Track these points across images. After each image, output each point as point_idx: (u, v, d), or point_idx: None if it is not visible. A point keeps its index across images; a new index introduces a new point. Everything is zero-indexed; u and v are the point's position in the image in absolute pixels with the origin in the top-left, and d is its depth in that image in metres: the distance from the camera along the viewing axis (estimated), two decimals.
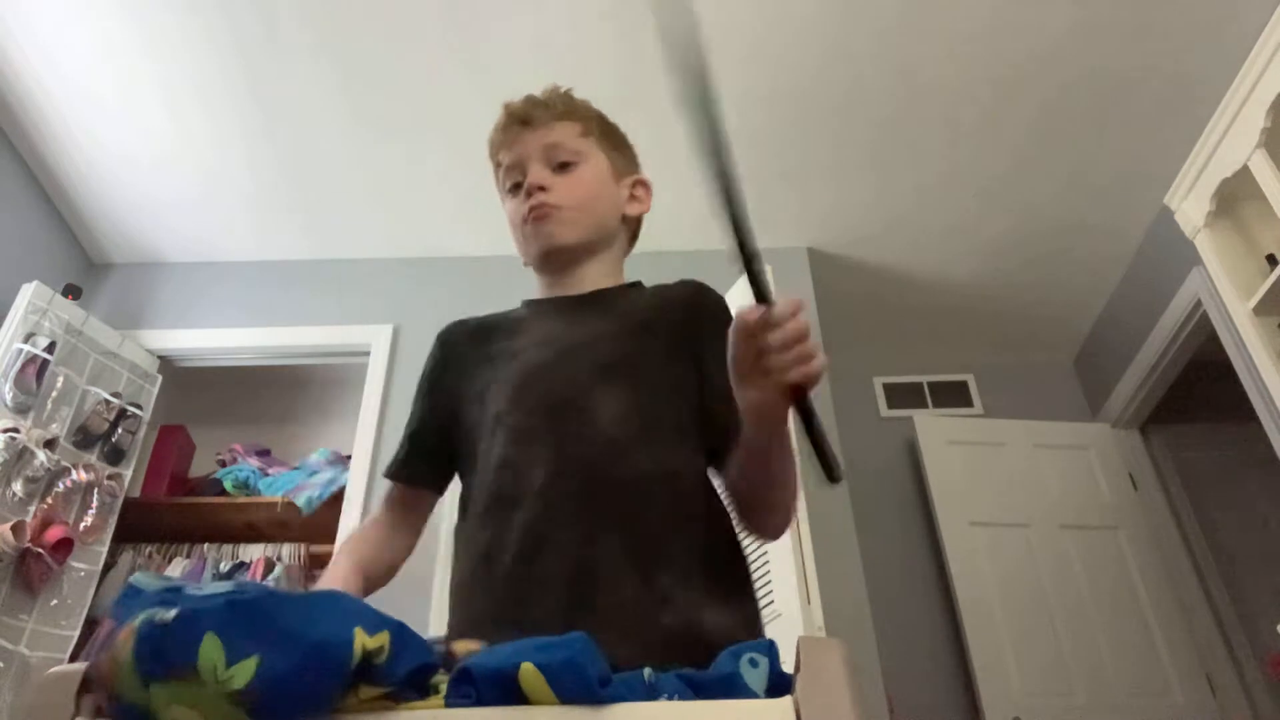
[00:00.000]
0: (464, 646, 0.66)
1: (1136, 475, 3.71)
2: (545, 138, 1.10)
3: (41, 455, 2.62)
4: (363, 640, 0.55)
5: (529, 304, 1.14)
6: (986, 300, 3.80)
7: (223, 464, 3.40)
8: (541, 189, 1.07)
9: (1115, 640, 3.30)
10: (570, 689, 0.56)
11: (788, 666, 0.62)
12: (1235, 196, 2.62)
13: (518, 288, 1.19)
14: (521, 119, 1.11)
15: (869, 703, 2.51)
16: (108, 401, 2.92)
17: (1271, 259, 2.54)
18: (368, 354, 3.19)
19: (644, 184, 1.19)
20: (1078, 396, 4.08)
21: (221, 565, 3.09)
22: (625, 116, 1.22)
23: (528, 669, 0.56)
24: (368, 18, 2.65)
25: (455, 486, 1.06)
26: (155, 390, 3.14)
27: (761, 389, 0.80)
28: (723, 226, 0.79)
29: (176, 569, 3.07)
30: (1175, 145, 2.91)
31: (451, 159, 3.05)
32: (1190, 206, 2.73)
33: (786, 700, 0.57)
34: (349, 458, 3.11)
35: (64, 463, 2.72)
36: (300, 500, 3.08)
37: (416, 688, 0.59)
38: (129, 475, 2.97)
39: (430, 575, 2.39)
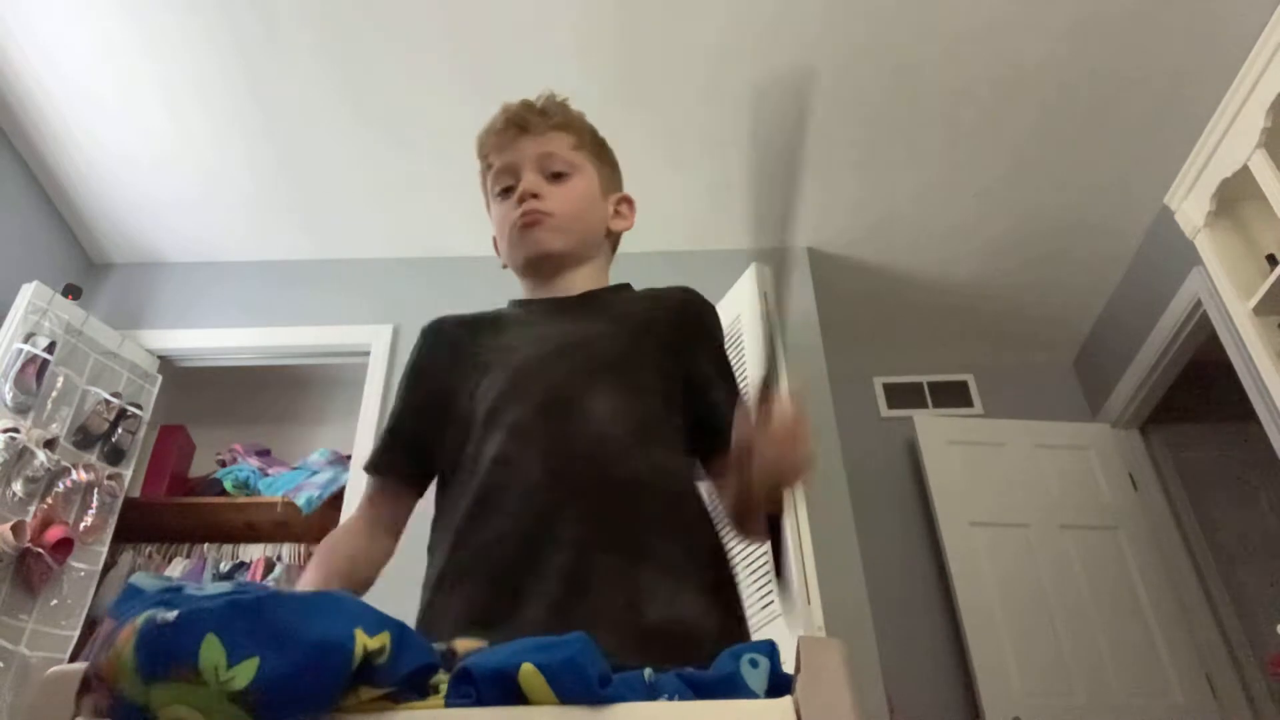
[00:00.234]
0: (465, 645, 0.66)
1: (1136, 475, 3.71)
2: (541, 146, 1.11)
3: (41, 455, 2.62)
4: (363, 641, 0.55)
5: (518, 304, 1.14)
6: (986, 300, 3.80)
7: (223, 464, 3.40)
8: (535, 196, 1.08)
9: (1115, 640, 3.30)
10: (570, 689, 0.56)
11: (788, 667, 0.62)
12: (1235, 196, 2.62)
13: (517, 288, 1.19)
14: (519, 125, 1.12)
15: (869, 703, 2.51)
16: (108, 401, 2.92)
17: (1271, 259, 2.54)
18: (368, 354, 3.19)
19: (628, 201, 1.20)
20: (1078, 396, 4.08)
21: (221, 565, 3.10)
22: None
23: (528, 669, 0.57)
24: (368, 18, 2.65)
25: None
26: (155, 390, 3.14)
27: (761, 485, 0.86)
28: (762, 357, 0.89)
29: (176, 569, 3.07)
30: (1175, 145, 2.91)
31: (451, 159, 3.05)
32: (1190, 206, 2.73)
33: (786, 700, 0.57)
34: (349, 458, 3.12)
35: (64, 463, 2.72)
36: (300, 500, 3.08)
37: (416, 688, 0.59)
38: (129, 475, 2.97)
39: None
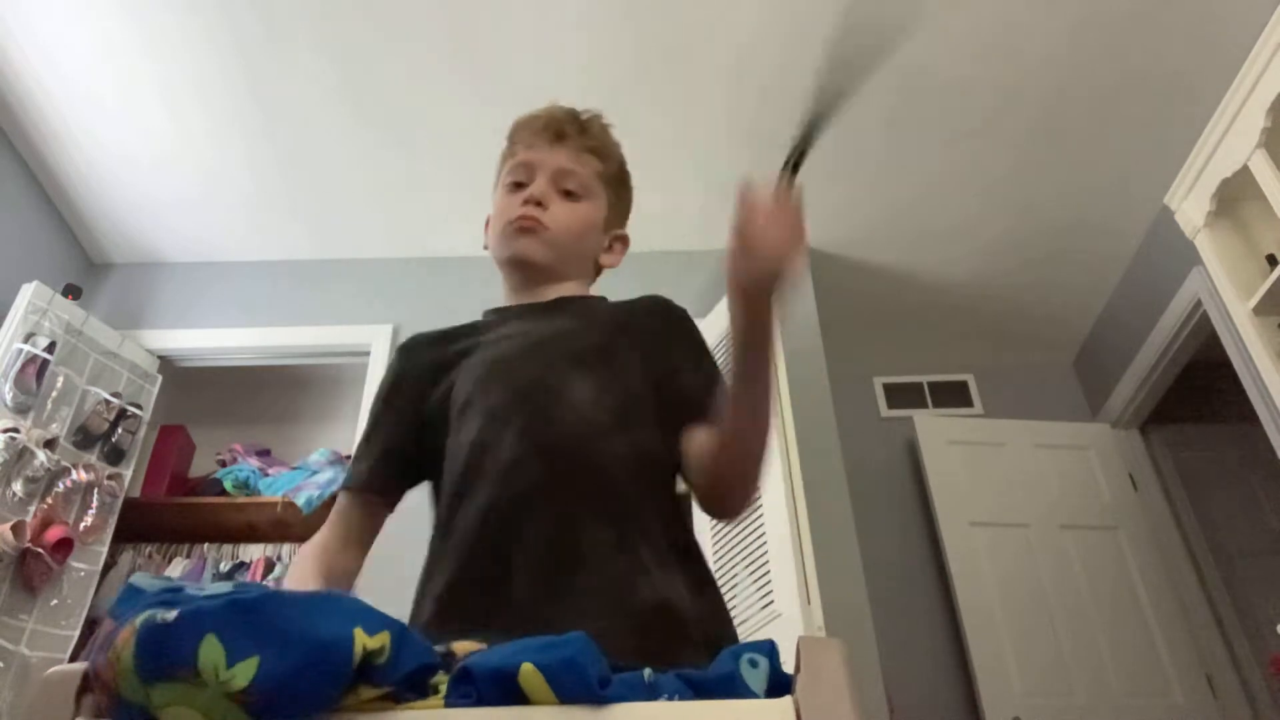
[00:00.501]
0: (464, 647, 0.66)
1: (1136, 475, 3.71)
2: (567, 161, 1.11)
3: (41, 455, 2.62)
4: (363, 641, 0.55)
5: (493, 312, 1.15)
6: (986, 300, 3.80)
7: (223, 464, 3.40)
8: (539, 204, 1.08)
9: (1115, 640, 3.30)
10: (570, 689, 0.56)
11: (788, 667, 0.62)
12: (1235, 196, 2.62)
13: None
14: (557, 132, 1.12)
15: (869, 703, 2.51)
16: (108, 401, 2.92)
17: (1271, 259, 2.54)
18: (368, 354, 3.19)
19: (624, 240, 1.20)
20: (1078, 396, 4.08)
21: (221, 565, 3.09)
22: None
23: (528, 669, 0.57)
24: (367, 18, 2.65)
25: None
26: (155, 390, 3.14)
27: (750, 274, 0.83)
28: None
29: (176, 569, 3.07)
30: (1175, 145, 2.91)
31: (451, 159, 3.05)
32: (1190, 206, 2.73)
33: (786, 700, 0.57)
34: (349, 458, 3.11)
35: (64, 463, 2.72)
36: (300, 500, 3.07)
37: (416, 688, 0.59)
38: (129, 475, 2.97)
39: None
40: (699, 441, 0.96)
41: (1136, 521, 3.60)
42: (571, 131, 1.13)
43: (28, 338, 2.74)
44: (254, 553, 3.12)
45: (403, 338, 1.14)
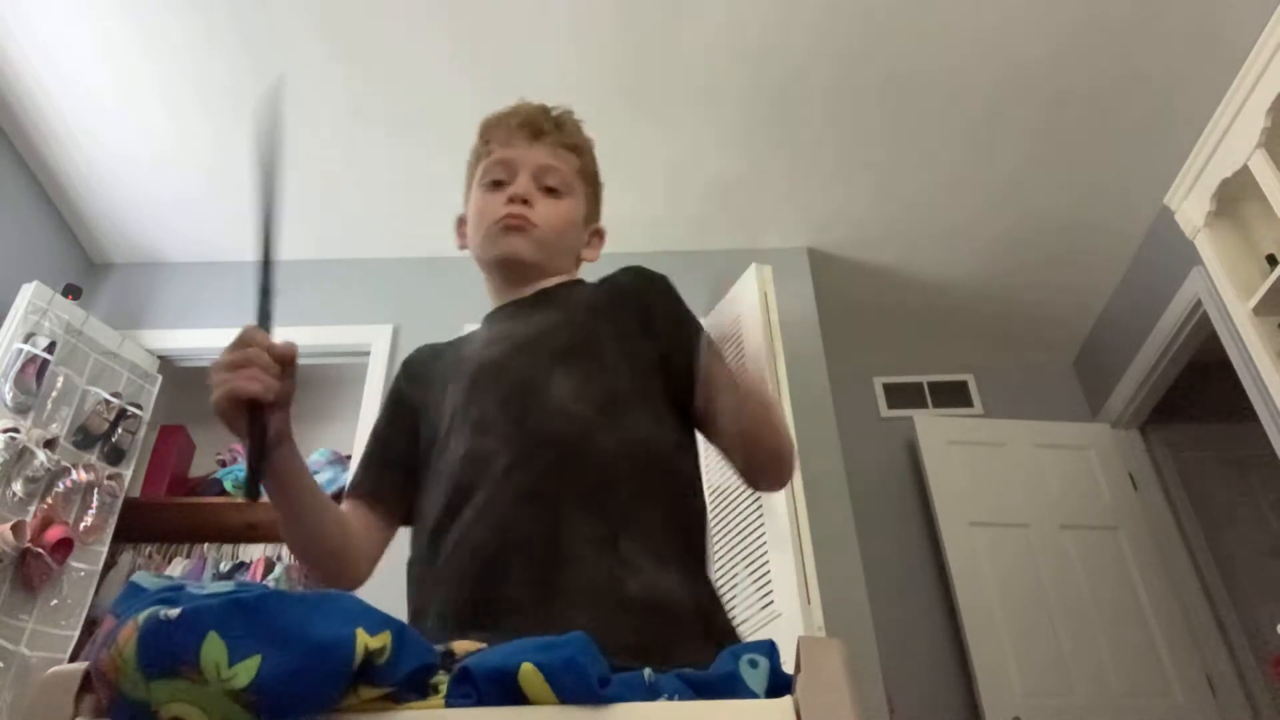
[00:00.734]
0: (464, 646, 0.66)
1: (1136, 475, 3.71)
2: (546, 158, 1.11)
3: (41, 455, 2.62)
4: (364, 640, 0.55)
5: (485, 318, 1.15)
6: (986, 300, 3.80)
7: (223, 464, 3.40)
8: (525, 202, 1.08)
9: (1115, 640, 3.30)
10: (570, 689, 0.56)
11: (788, 667, 0.62)
12: (1235, 196, 2.62)
13: None
14: (534, 129, 1.12)
15: (869, 703, 2.51)
16: (108, 401, 2.92)
17: (1271, 259, 2.54)
18: (368, 354, 3.19)
19: (601, 234, 1.21)
20: (1078, 396, 4.09)
21: (221, 565, 3.09)
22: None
23: (528, 669, 0.57)
24: (369, 17, 2.65)
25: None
26: (155, 390, 3.14)
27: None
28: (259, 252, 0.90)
29: (176, 569, 3.07)
30: (1175, 145, 2.91)
31: (452, 159, 3.03)
32: (1190, 206, 2.73)
33: (786, 700, 0.57)
34: (349, 458, 3.11)
35: (64, 463, 2.72)
36: None
37: (417, 688, 0.59)
38: (129, 475, 2.97)
39: None
40: (719, 430, 1.00)
41: (1136, 521, 3.60)
42: (549, 128, 1.12)
43: (28, 338, 2.74)
44: (254, 553, 3.12)
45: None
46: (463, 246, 1.17)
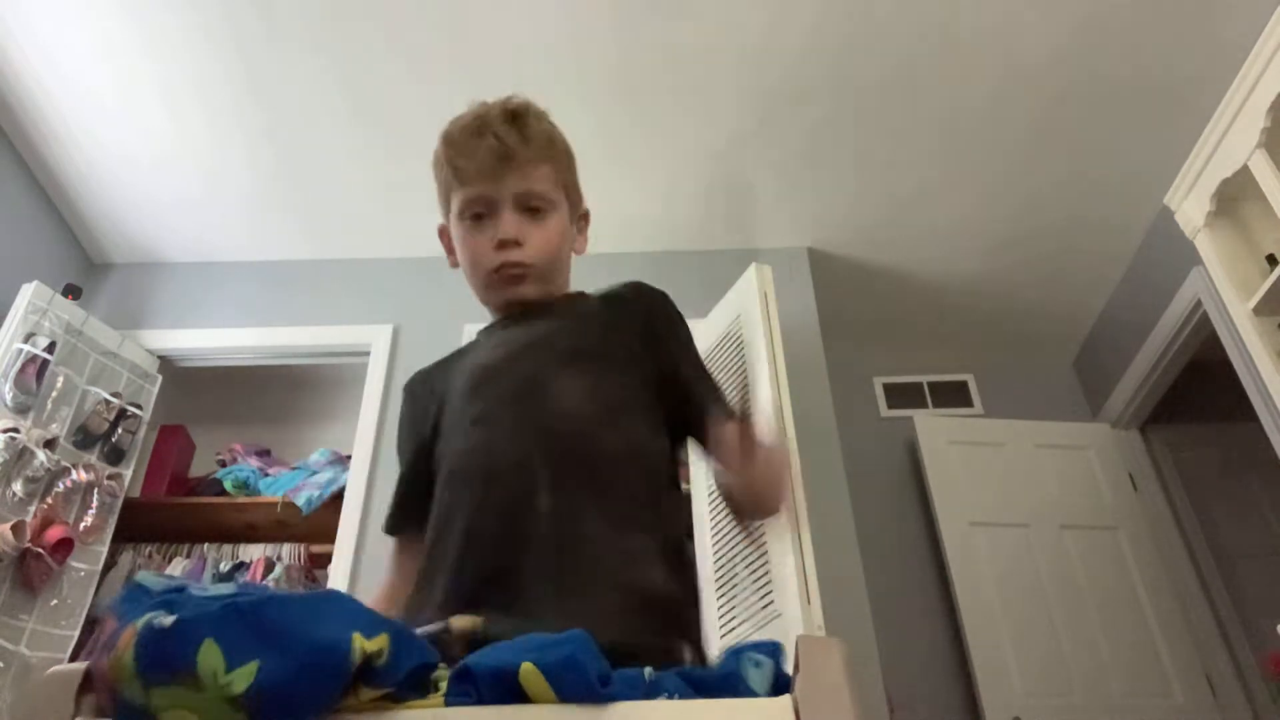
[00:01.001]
0: (461, 622, 0.66)
1: (1136, 475, 3.71)
2: (523, 183, 1.06)
3: (41, 455, 2.62)
4: (362, 644, 0.55)
5: (482, 331, 1.15)
6: (987, 300, 3.80)
7: (223, 464, 3.40)
8: (517, 244, 1.05)
9: (1115, 640, 3.30)
10: (571, 688, 0.56)
11: (789, 667, 0.62)
12: (1235, 196, 2.62)
13: None
14: (502, 155, 1.05)
15: (869, 703, 2.51)
16: (108, 401, 2.92)
17: (1271, 259, 2.54)
18: (368, 354, 3.19)
19: (586, 218, 1.19)
20: (1078, 396, 4.08)
21: (221, 565, 3.09)
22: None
23: (528, 668, 0.57)
24: (368, 18, 2.65)
25: None
26: (155, 390, 3.14)
27: None
28: None
29: (176, 569, 3.07)
30: (1175, 145, 2.91)
31: None
32: (1190, 206, 2.73)
33: (786, 699, 0.57)
34: (349, 458, 3.11)
35: (64, 463, 2.72)
36: (300, 500, 3.08)
37: (416, 686, 0.59)
38: (129, 475, 2.97)
39: None
40: (719, 461, 1.00)
41: (1136, 521, 3.60)
42: (517, 146, 1.06)
43: (28, 338, 2.74)
44: (254, 553, 3.12)
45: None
46: (454, 265, 1.14)
